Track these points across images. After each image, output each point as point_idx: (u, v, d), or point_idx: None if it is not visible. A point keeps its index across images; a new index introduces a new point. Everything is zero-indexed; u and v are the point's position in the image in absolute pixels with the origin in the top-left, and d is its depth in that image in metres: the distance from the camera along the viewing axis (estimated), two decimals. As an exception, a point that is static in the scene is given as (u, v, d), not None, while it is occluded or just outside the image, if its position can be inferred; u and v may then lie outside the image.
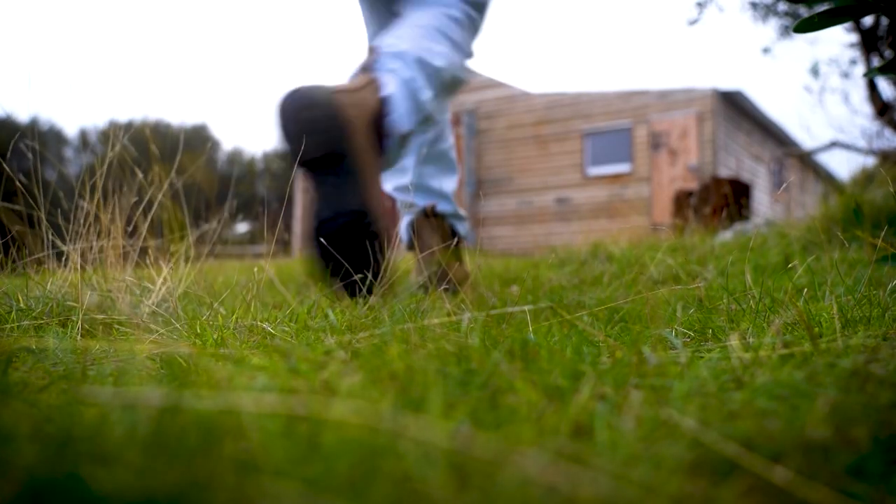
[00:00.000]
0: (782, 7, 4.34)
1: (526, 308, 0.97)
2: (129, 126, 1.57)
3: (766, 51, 4.53)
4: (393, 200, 1.97)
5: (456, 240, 1.84)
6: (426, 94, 1.52)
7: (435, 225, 1.83)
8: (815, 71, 3.87)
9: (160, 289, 1.29)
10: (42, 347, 0.86)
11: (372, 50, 1.54)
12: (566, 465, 0.42)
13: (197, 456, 0.41)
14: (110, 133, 1.50)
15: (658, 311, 1.23)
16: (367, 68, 1.50)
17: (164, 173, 1.57)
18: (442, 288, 1.28)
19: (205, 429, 0.44)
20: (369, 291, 1.28)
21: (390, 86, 1.48)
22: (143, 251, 1.48)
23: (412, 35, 1.57)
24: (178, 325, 1.07)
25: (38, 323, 1.12)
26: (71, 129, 31.25)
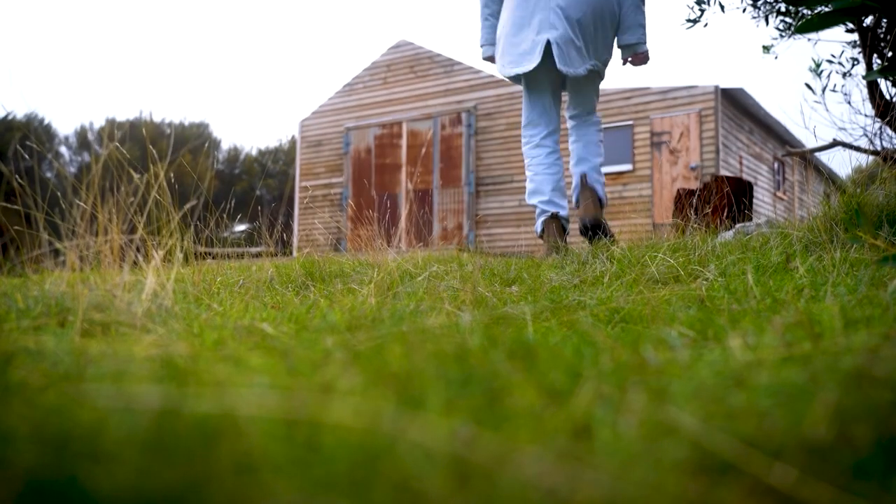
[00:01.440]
0: (783, 6, 4.35)
1: (526, 308, 0.97)
2: (126, 124, 1.57)
3: (766, 49, 4.52)
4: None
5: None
6: (602, 178, 3.89)
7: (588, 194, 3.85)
8: (816, 70, 3.87)
9: (150, 278, 1.29)
10: (41, 348, 0.86)
11: (584, 176, 3.81)
12: (566, 466, 0.41)
13: (196, 457, 0.41)
14: (105, 132, 1.49)
15: (659, 312, 1.22)
16: (585, 185, 3.80)
17: (161, 171, 1.57)
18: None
19: (204, 430, 0.44)
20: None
21: (599, 188, 3.83)
22: (139, 248, 1.47)
23: (591, 156, 3.86)
24: (175, 325, 1.07)
25: (36, 323, 1.12)
26: (65, 128, 31.10)
